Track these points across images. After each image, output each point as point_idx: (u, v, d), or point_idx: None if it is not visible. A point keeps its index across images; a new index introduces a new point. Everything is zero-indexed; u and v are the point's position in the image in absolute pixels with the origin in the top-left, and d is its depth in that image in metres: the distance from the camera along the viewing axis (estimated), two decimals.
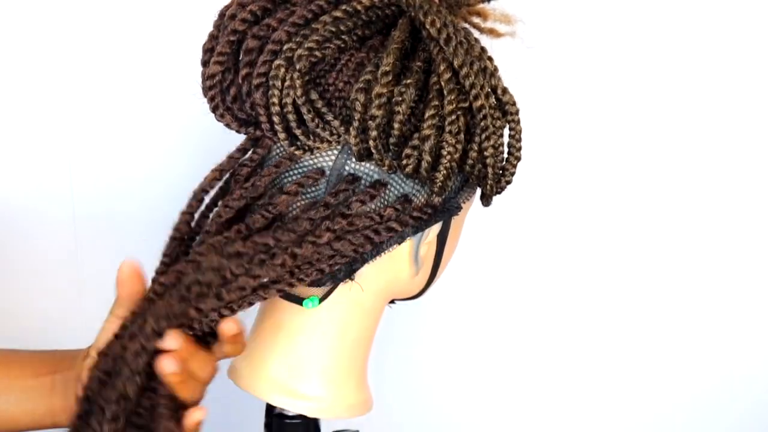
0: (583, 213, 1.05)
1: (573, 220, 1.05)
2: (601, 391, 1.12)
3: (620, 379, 1.11)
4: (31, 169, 0.91)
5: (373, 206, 0.57)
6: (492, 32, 0.63)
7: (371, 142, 0.54)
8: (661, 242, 1.06)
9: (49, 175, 0.92)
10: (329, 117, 0.55)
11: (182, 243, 0.59)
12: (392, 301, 0.67)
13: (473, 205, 0.65)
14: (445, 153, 0.55)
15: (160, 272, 0.58)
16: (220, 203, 0.59)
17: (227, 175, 0.61)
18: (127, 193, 0.94)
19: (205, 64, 0.59)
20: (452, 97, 0.54)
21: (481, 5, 0.63)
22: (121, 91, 0.91)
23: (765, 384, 1.12)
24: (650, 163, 1.03)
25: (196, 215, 0.60)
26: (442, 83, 0.54)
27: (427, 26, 0.54)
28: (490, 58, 0.57)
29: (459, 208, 0.60)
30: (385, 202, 0.58)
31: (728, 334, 1.10)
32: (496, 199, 0.63)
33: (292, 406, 0.62)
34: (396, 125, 0.54)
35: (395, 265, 0.60)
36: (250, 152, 0.60)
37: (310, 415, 0.62)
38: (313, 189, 0.58)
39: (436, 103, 0.54)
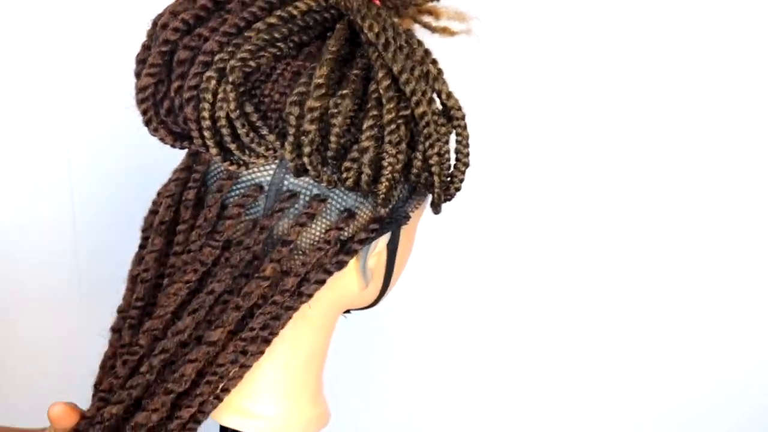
0: (579, 214, 1.03)
1: (560, 221, 1.03)
2: (597, 394, 1.11)
3: (616, 381, 1.10)
4: (30, 170, 0.92)
5: (315, 227, 0.56)
6: (445, 31, 0.61)
7: (305, 159, 0.52)
8: (656, 244, 1.05)
9: (48, 174, 0.92)
10: (264, 131, 0.53)
11: (153, 286, 0.59)
12: (347, 311, 0.65)
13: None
14: (386, 164, 0.53)
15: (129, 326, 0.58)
16: (180, 245, 0.58)
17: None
18: (128, 194, 0.93)
19: (137, 75, 0.56)
20: (392, 106, 0.51)
21: (432, 3, 0.60)
22: (121, 90, 0.90)
23: (762, 386, 1.11)
24: (638, 163, 1.01)
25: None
26: (381, 91, 0.52)
27: (365, 30, 0.52)
28: (434, 62, 0.55)
29: (407, 218, 0.58)
30: (328, 220, 0.56)
31: (726, 336, 1.09)
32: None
33: (245, 426, 0.60)
34: (333, 138, 0.52)
35: (343, 279, 0.58)
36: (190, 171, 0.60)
37: None
38: (253, 207, 0.56)
39: (375, 112, 0.52)
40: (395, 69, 0.51)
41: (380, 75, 0.51)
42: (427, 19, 0.61)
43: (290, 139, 0.52)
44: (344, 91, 0.51)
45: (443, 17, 0.61)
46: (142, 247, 0.61)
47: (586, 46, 0.96)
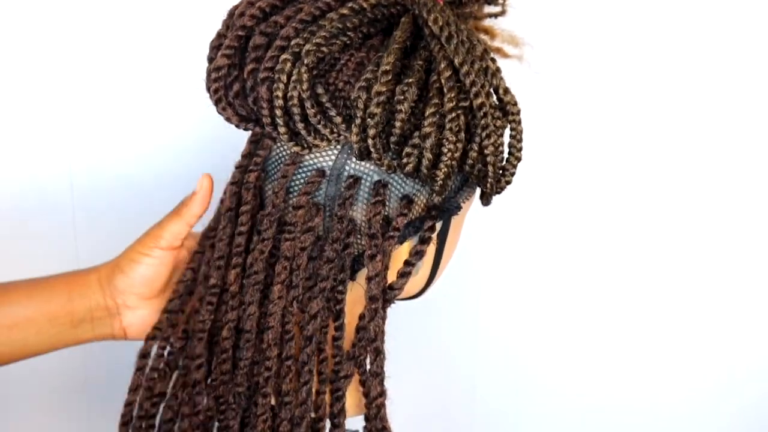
0: (584, 213, 1.05)
1: (574, 221, 1.05)
2: (601, 392, 1.12)
3: (619, 379, 1.11)
4: (31, 170, 0.92)
5: (383, 214, 0.58)
6: (499, 51, 0.64)
7: (370, 141, 0.54)
8: (660, 243, 1.07)
9: (49, 174, 0.92)
10: (332, 112, 0.55)
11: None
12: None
13: (473, 205, 0.65)
14: (445, 151, 0.55)
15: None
16: (255, 239, 0.61)
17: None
18: (128, 193, 0.94)
19: (211, 60, 0.59)
20: (452, 95, 0.54)
21: (489, 23, 0.63)
22: (121, 91, 0.91)
23: (764, 383, 1.12)
24: (650, 164, 1.04)
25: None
26: (443, 81, 0.54)
27: (430, 23, 0.54)
28: (492, 59, 0.58)
29: (459, 208, 0.61)
30: (389, 206, 0.58)
31: (728, 334, 1.10)
32: (497, 199, 0.63)
33: None
34: (398, 124, 0.54)
35: (395, 265, 0.60)
36: (252, 156, 0.62)
37: None
38: (316, 193, 0.59)
39: (437, 101, 0.54)
40: (456, 61, 0.54)
41: (442, 66, 0.54)
42: (483, 37, 0.63)
43: (357, 121, 0.54)
44: (410, 80, 0.54)
45: (498, 39, 0.64)
46: (208, 237, 0.64)
47: (590, 49, 0.99)
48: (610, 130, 1.02)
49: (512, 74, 0.62)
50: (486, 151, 0.56)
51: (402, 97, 0.53)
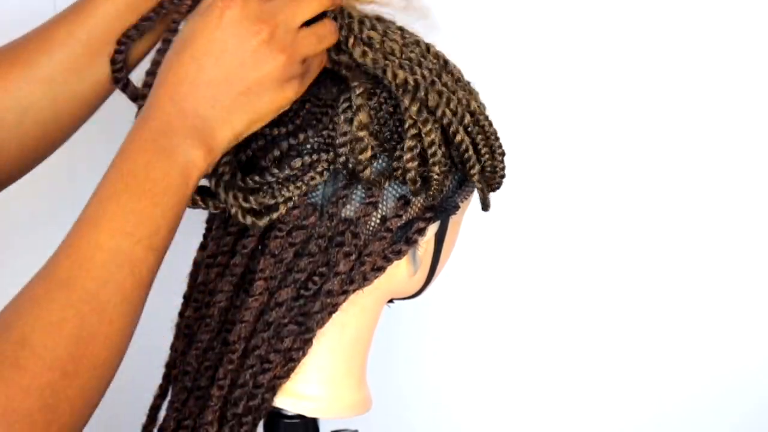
0: (583, 212, 1.05)
1: (573, 220, 1.05)
2: (602, 391, 1.12)
3: (621, 378, 1.11)
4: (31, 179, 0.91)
5: (376, 215, 0.59)
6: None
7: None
8: (660, 242, 1.06)
9: (49, 178, 0.92)
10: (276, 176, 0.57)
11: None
12: (391, 300, 0.67)
13: (471, 205, 0.65)
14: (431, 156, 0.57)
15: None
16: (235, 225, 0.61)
17: None
18: None
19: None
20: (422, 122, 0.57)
21: None
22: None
23: (763, 386, 1.12)
24: (648, 162, 1.03)
25: None
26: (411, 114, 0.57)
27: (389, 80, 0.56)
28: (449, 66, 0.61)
29: (457, 208, 0.61)
30: (385, 206, 0.59)
31: (728, 334, 1.10)
32: (494, 198, 0.64)
33: (290, 405, 0.61)
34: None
35: (394, 265, 0.60)
36: None
37: (309, 414, 0.62)
38: (313, 193, 0.59)
39: (414, 132, 0.57)
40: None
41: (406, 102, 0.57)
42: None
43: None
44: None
45: None
46: (204, 236, 0.64)
47: (585, 46, 0.99)
48: (606, 128, 1.02)
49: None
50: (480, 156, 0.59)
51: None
